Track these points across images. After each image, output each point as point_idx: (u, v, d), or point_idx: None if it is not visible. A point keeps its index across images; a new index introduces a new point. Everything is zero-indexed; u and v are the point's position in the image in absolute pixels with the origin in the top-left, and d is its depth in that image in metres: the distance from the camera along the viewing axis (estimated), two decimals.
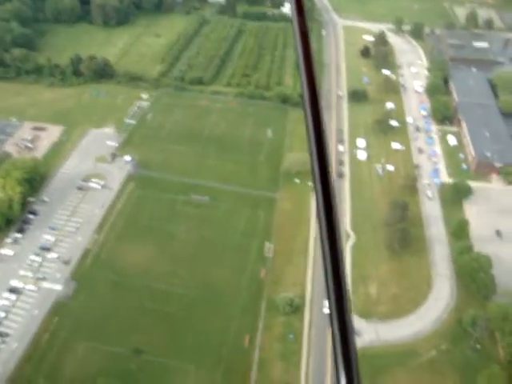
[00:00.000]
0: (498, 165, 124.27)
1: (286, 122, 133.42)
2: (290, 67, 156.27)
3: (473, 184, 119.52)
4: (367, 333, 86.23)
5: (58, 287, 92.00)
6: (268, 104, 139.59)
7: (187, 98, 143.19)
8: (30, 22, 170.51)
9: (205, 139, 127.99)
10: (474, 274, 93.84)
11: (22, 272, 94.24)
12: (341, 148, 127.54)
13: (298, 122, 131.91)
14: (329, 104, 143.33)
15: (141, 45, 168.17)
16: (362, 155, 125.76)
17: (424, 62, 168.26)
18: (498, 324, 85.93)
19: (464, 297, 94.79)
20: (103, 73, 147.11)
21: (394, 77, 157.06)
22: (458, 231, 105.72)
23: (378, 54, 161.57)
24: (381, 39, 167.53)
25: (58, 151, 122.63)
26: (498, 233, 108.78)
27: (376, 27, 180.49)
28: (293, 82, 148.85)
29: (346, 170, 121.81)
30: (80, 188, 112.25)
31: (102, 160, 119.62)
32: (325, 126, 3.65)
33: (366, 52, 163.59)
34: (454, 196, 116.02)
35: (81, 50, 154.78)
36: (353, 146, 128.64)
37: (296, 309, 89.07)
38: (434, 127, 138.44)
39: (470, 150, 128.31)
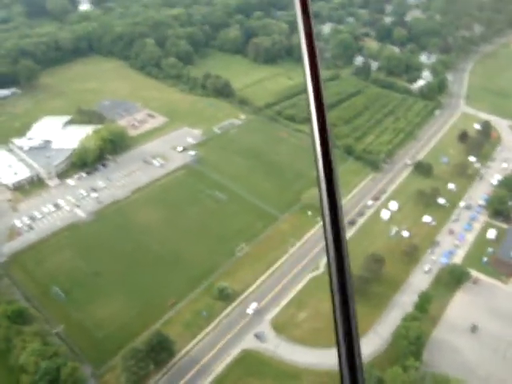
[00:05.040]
0: None
1: (340, 168, 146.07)
2: (379, 131, 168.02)
3: (483, 278, 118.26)
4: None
5: (83, 215, 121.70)
6: (336, 151, 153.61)
7: (272, 128, 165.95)
8: (199, 45, 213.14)
9: (262, 159, 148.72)
10: (399, 341, 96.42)
11: (69, 197, 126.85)
12: (369, 203, 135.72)
13: (349, 171, 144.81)
14: (391, 168, 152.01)
15: (271, 82, 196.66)
16: (385, 215, 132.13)
17: None
18: None
19: (382, 359, 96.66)
20: (222, 91, 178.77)
21: (477, 165, 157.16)
22: (420, 304, 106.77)
23: (474, 142, 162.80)
24: (484, 129, 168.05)
25: (151, 133, 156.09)
26: (474, 328, 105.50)
27: (496, 121, 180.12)
28: (371, 142, 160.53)
29: (361, 221, 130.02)
30: (145, 161, 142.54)
31: (175, 149, 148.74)
32: (329, 127, 3.73)
33: (463, 137, 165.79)
34: (451, 278, 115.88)
35: (221, 73, 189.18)
36: (384, 206, 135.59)
37: (225, 297, 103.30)
38: (482, 218, 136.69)
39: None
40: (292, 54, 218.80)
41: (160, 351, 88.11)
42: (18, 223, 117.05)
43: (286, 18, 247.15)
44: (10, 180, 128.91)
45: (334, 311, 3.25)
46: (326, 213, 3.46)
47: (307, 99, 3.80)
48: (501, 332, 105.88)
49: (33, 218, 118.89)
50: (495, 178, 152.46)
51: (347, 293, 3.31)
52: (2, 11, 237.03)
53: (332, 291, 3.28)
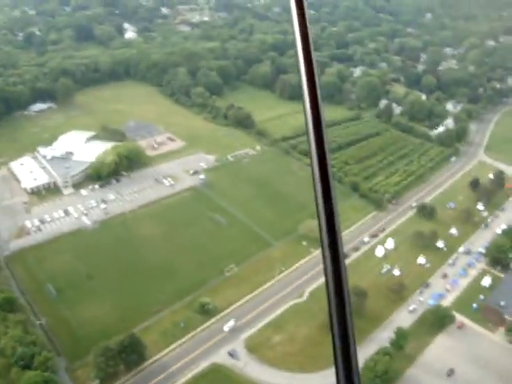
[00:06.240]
0: (508, 318, 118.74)
1: (343, 203, 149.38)
2: (390, 172, 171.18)
3: (469, 324, 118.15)
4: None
5: (89, 223, 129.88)
6: (341, 187, 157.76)
7: (285, 160, 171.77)
8: (231, 78, 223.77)
9: (268, 189, 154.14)
10: (366, 373, 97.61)
11: (79, 205, 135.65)
12: (366, 239, 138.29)
13: (351, 207, 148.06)
14: (395, 208, 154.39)
15: (292, 117, 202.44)
16: (380, 252, 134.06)
17: None
18: None
19: None
20: (243, 122, 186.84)
21: (485, 213, 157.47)
22: (396, 340, 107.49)
23: (485, 190, 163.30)
24: (497, 178, 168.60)
25: (168, 155, 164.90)
26: (451, 372, 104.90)
27: None
28: (379, 182, 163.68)
29: (354, 255, 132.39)
30: (157, 180, 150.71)
31: (186, 172, 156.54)
32: (324, 125, 3.70)
33: (474, 184, 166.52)
34: (434, 320, 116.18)
35: (246, 105, 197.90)
36: (380, 244, 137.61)
37: (205, 312, 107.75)
38: (480, 265, 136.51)
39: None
40: None
41: (131, 353, 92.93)
42: (28, 224, 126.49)
43: (319, 58, 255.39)
44: (29, 184, 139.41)
45: (334, 339, 3.30)
46: (325, 241, 3.48)
47: (301, 85, 3.78)
48: (478, 380, 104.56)
49: (42, 221, 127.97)
50: (500, 228, 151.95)
51: (346, 319, 3.35)
52: (54, 34, 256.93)
53: (331, 322, 3.35)
